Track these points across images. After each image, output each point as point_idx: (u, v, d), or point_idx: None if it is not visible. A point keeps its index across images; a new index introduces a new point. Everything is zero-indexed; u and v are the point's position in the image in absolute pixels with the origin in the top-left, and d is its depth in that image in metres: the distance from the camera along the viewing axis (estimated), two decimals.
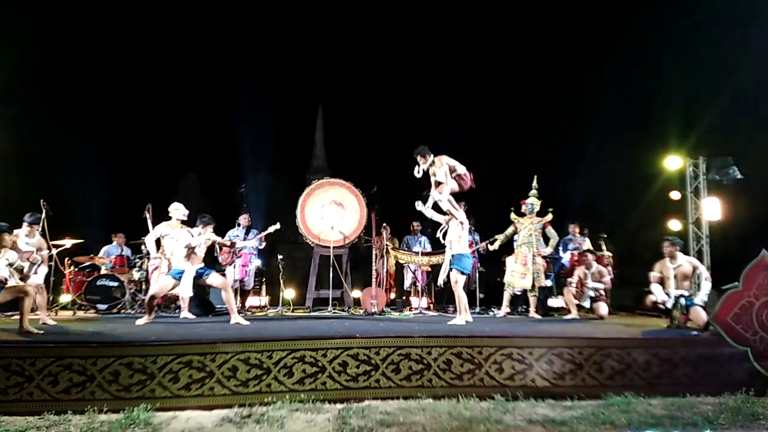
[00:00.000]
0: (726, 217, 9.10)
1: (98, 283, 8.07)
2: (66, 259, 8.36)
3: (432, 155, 6.29)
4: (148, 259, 7.68)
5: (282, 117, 12.97)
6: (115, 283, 8.11)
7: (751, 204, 9.24)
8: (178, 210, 7.11)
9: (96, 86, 11.24)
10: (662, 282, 5.91)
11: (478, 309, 8.48)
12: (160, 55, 12.02)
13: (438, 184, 6.30)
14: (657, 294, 5.85)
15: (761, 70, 8.92)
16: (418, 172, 6.31)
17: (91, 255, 8.74)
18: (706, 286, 5.70)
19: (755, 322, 4.67)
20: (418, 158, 6.32)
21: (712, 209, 9.08)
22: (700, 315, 5.40)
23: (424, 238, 9.29)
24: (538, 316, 7.47)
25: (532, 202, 7.74)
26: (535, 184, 7.83)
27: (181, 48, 12.11)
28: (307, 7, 13.09)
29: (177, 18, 12.02)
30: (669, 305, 5.76)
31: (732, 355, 4.57)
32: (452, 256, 6.24)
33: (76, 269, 8.44)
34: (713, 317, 4.82)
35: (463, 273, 6.19)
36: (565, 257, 8.89)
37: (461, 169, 6.35)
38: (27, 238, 5.95)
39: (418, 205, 6.38)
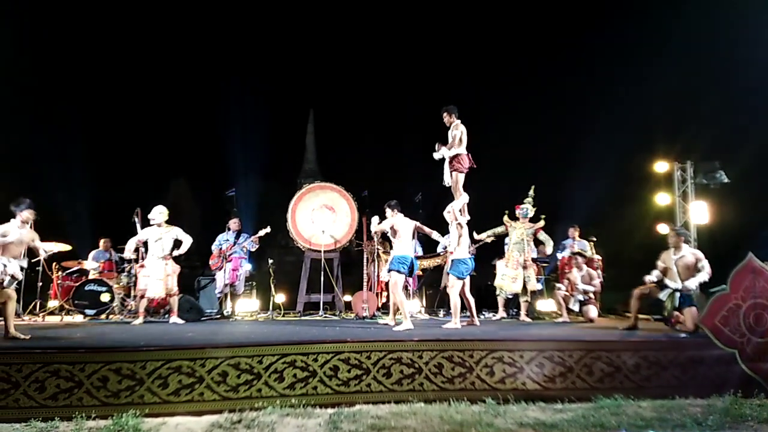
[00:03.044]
0: (713, 220, 9.20)
1: (86, 288, 8.00)
2: (54, 264, 8.27)
3: (457, 119, 6.37)
4: (137, 263, 7.62)
5: (273, 121, 12.92)
6: (104, 288, 8.04)
7: (737, 208, 9.36)
8: (161, 213, 7.08)
9: (84, 89, 11.16)
10: (666, 273, 5.81)
11: (467, 312, 8.46)
12: (151, 59, 11.96)
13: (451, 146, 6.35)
14: (654, 274, 5.82)
15: (748, 76, 9.05)
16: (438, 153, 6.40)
17: (79, 260, 8.65)
18: (702, 276, 5.57)
19: (743, 324, 4.71)
20: (444, 115, 6.41)
21: (699, 213, 9.18)
22: (693, 316, 5.34)
23: (414, 242, 9.27)
24: (528, 320, 7.51)
25: (527, 207, 7.79)
26: (531, 193, 7.89)
27: (172, 51, 12.05)
28: (298, 10, 13.10)
29: (167, 21, 11.98)
30: (663, 297, 5.71)
31: (720, 357, 4.61)
32: (451, 260, 6.30)
33: (64, 274, 8.36)
34: (701, 320, 4.86)
35: (459, 278, 6.23)
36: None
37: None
38: None
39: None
